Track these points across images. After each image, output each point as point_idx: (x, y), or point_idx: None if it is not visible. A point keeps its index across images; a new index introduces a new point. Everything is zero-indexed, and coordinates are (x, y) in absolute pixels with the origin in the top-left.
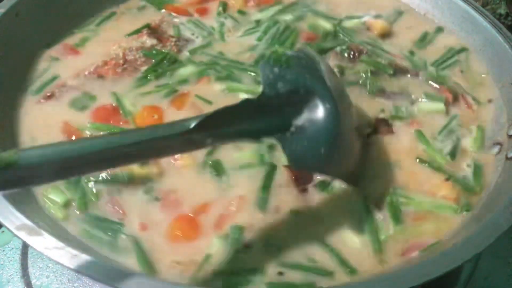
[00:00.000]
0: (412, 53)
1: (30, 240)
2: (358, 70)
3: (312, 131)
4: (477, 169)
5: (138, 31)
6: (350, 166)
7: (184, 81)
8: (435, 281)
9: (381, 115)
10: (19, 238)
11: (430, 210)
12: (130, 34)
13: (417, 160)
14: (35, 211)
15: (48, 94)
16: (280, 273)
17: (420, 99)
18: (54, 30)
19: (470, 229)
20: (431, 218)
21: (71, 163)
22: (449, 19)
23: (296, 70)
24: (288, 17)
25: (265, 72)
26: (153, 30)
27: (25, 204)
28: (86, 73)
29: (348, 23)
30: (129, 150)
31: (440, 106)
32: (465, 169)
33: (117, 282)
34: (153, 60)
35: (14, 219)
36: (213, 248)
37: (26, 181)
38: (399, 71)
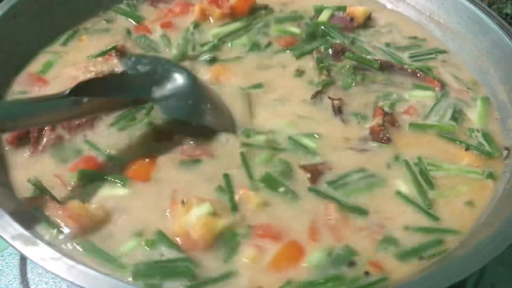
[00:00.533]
0: (387, 44)
1: (26, 250)
2: (344, 66)
3: (179, 93)
4: (486, 136)
5: (104, 53)
6: (218, 118)
7: None
8: None
9: (380, 104)
10: (14, 248)
11: (458, 174)
12: (93, 56)
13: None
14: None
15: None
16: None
17: (410, 89)
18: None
19: (477, 239)
20: (462, 181)
21: None
22: (455, 19)
23: (150, 59)
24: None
25: (125, 61)
26: (121, 52)
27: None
28: None
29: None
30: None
31: (430, 93)
32: (477, 136)
33: None
34: None
35: (10, 228)
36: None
37: None
38: (385, 65)
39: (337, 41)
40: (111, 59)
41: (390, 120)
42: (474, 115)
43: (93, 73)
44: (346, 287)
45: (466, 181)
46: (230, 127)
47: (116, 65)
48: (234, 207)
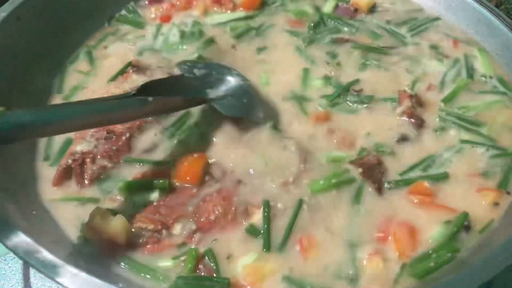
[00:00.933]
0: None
1: (28, 258)
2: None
3: (234, 93)
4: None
5: (121, 72)
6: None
7: None
8: None
9: (403, 88)
10: (16, 255)
11: (487, 108)
12: (113, 79)
13: None
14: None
15: None
16: None
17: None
18: None
19: (488, 248)
20: (494, 113)
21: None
22: (463, 21)
23: (205, 63)
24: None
25: (182, 66)
26: (137, 66)
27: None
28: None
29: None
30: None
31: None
32: (491, 81)
33: None
34: None
35: (12, 235)
36: None
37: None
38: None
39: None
40: (130, 76)
41: (417, 101)
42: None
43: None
44: None
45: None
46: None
47: (136, 81)
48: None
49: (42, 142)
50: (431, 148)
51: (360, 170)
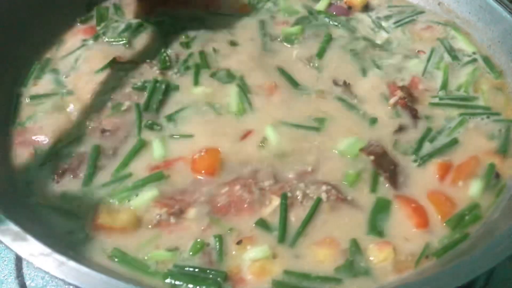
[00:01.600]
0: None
1: (14, 246)
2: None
3: None
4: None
5: (107, 67)
6: None
7: None
8: None
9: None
10: (2, 243)
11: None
12: (98, 71)
13: None
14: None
15: None
16: None
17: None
18: None
19: (488, 239)
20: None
21: None
22: (465, 8)
23: None
24: None
25: None
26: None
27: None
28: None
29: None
30: None
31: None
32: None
33: None
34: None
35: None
36: None
37: None
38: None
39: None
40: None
41: (408, 92)
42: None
43: None
44: None
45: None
46: None
47: None
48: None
49: None
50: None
51: (372, 157)
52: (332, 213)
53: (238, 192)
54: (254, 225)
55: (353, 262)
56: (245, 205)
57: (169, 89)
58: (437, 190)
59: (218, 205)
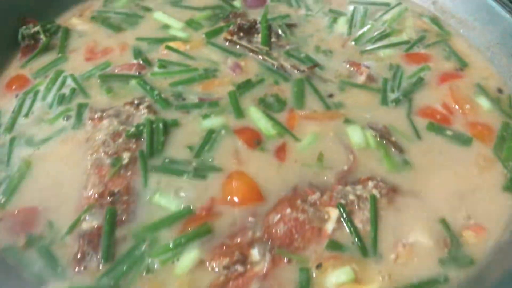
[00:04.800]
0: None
1: None
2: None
3: None
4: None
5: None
6: None
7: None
8: None
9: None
10: None
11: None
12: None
13: None
14: None
15: None
16: None
17: None
18: None
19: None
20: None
21: None
22: (461, 8)
23: None
24: None
25: None
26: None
27: None
28: None
29: None
30: None
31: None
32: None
33: None
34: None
35: None
36: None
37: None
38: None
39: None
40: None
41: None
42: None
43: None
44: None
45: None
46: None
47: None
48: None
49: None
50: None
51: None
52: (392, 206)
53: (292, 215)
54: (325, 248)
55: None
56: (307, 227)
57: (168, 127)
58: None
59: (278, 235)
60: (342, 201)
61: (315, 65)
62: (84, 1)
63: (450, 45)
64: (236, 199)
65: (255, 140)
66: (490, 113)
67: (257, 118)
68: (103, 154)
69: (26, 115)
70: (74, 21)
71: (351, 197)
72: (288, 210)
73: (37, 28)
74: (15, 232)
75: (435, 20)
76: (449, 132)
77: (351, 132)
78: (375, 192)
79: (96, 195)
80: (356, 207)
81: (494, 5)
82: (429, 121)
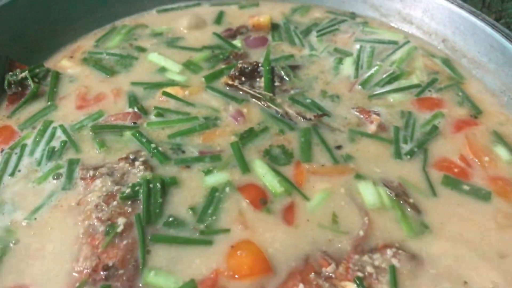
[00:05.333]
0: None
1: None
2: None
3: None
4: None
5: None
6: None
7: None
8: None
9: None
10: None
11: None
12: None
13: None
14: None
15: None
16: None
17: None
18: None
19: None
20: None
21: None
22: (473, 47)
23: None
24: None
25: None
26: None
27: None
28: None
29: None
30: None
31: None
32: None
33: None
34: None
35: None
36: None
37: None
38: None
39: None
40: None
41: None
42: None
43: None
44: None
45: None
46: None
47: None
48: None
49: None
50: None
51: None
52: (415, 279)
53: None
54: None
55: None
56: None
57: (166, 186)
58: None
59: None
60: (360, 274)
61: (324, 114)
62: (74, 42)
63: (463, 89)
64: (242, 271)
65: (260, 199)
66: (510, 164)
67: (263, 174)
68: (96, 220)
69: (12, 173)
70: (65, 63)
71: (369, 269)
72: (301, 287)
73: (25, 73)
74: None
75: (446, 62)
76: (465, 187)
77: (363, 190)
78: (394, 261)
79: (89, 269)
80: (375, 280)
81: (509, 46)
82: (443, 174)
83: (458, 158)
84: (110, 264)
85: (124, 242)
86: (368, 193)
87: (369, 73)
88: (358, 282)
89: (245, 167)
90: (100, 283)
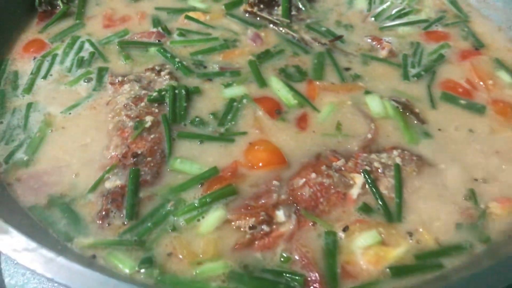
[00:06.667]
0: None
1: None
2: None
3: None
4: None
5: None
6: None
7: None
8: None
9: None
10: None
11: None
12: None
13: None
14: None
15: None
16: None
17: None
18: None
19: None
20: None
21: None
22: None
23: None
24: None
25: None
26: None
27: None
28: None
29: None
30: None
31: None
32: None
33: None
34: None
35: None
36: None
37: None
38: None
39: None
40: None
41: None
42: None
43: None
44: None
45: None
46: None
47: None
48: None
49: None
50: None
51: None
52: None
53: (317, 180)
54: (355, 211)
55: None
56: (332, 191)
57: (189, 93)
58: None
59: (304, 198)
60: (367, 168)
61: (339, 36)
62: None
63: (468, 26)
64: (260, 162)
65: (275, 110)
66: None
67: (278, 88)
68: (125, 117)
69: (45, 77)
70: None
71: (376, 164)
72: (313, 175)
73: None
74: (38, 191)
75: (454, 3)
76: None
77: (370, 101)
78: (398, 160)
79: (119, 155)
80: (382, 174)
81: None
82: (442, 91)
83: (464, 81)
84: (139, 152)
85: (152, 136)
86: (374, 104)
87: (381, 8)
88: (365, 174)
89: (262, 81)
90: (130, 167)
